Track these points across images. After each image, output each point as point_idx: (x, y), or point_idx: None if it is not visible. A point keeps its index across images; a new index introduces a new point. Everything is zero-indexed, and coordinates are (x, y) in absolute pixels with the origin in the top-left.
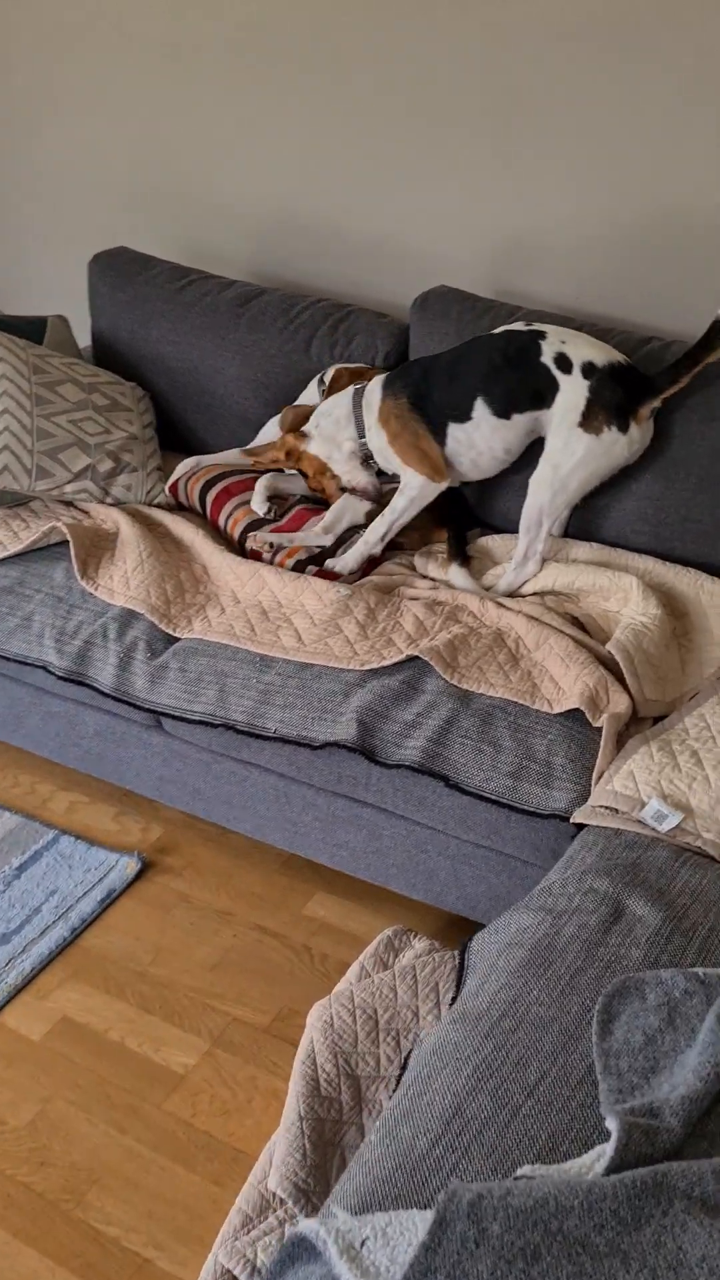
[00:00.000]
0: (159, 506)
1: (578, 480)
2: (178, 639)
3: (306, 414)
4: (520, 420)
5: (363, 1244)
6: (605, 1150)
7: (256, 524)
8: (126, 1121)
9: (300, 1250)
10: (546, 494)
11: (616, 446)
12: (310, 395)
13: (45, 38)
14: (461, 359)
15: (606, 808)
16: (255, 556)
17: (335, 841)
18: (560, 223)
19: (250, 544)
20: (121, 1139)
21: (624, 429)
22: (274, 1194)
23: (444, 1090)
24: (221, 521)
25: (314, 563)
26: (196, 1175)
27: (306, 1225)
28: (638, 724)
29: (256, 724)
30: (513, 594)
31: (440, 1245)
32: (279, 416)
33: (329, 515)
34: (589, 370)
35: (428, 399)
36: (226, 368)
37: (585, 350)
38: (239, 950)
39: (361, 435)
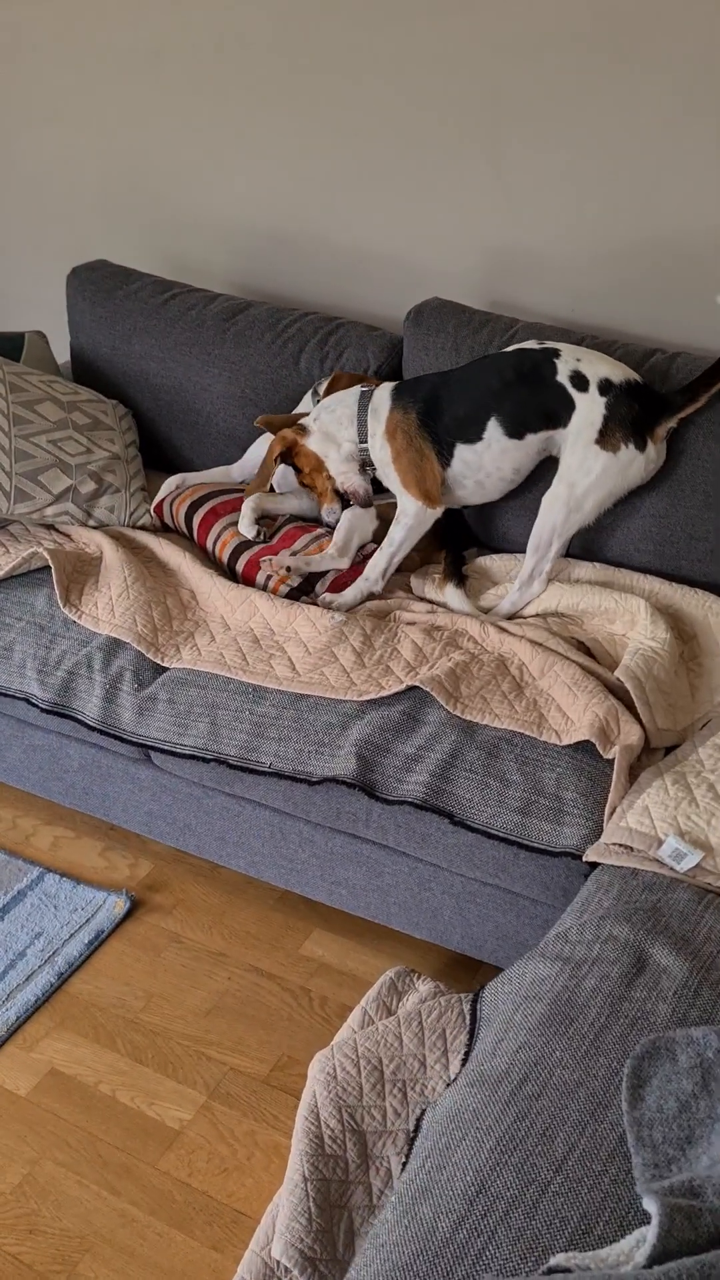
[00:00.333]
0: (144, 528)
1: (594, 500)
2: (166, 669)
3: (289, 420)
4: (533, 440)
5: None
6: (645, 1236)
7: (246, 545)
8: (120, 1183)
9: None
10: (560, 513)
11: (634, 465)
12: (305, 408)
13: (22, 47)
14: (472, 377)
15: (621, 845)
16: (249, 580)
17: (334, 879)
18: (555, 233)
19: (266, 570)
20: (115, 1202)
21: (641, 447)
22: (278, 1262)
23: (465, 1164)
24: (209, 544)
25: (305, 590)
26: (195, 1241)
27: None
28: (649, 755)
29: (250, 758)
30: (515, 615)
31: None
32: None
33: (339, 536)
34: (605, 388)
35: (437, 418)
36: (212, 384)
37: (601, 368)
38: (234, 994)
39: (363, 440)
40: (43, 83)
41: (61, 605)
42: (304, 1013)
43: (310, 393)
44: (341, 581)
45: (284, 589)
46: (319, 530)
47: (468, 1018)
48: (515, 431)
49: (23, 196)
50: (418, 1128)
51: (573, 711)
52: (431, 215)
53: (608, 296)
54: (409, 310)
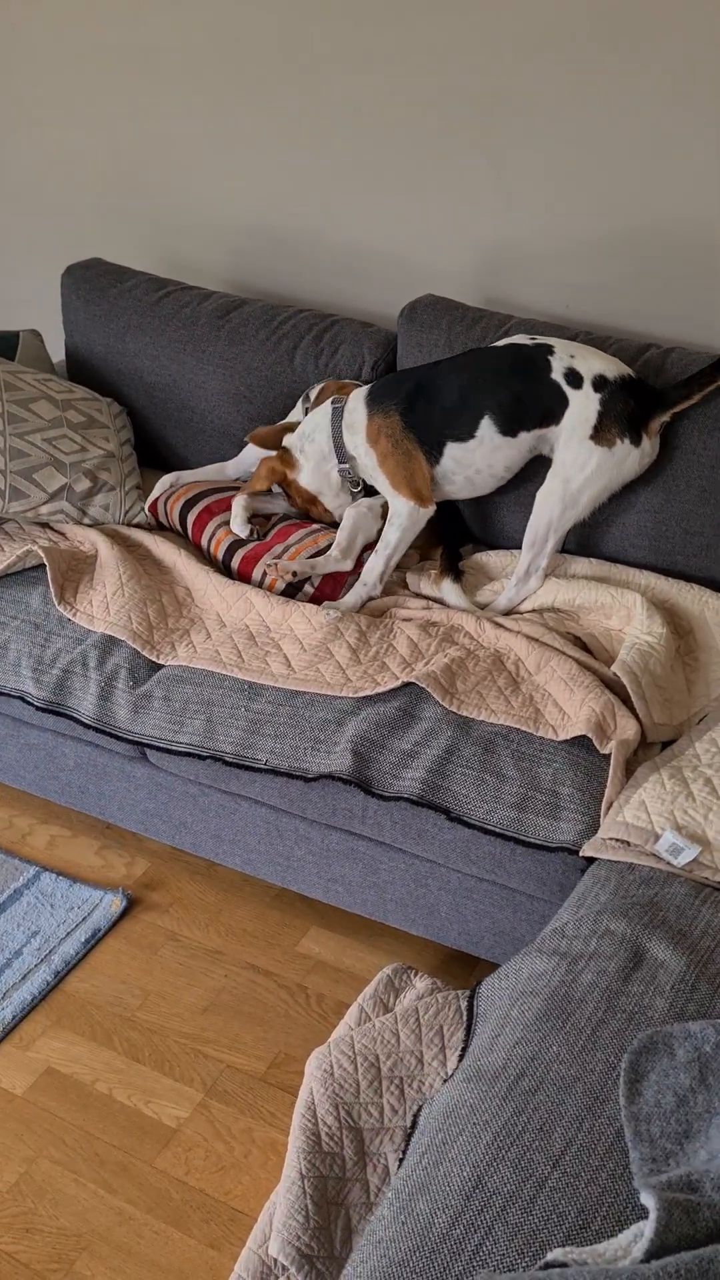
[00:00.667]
0: (139, 526)
1: (589, 495)
2: (161, 666)
3: (278, 433)
4: (526, 438)
5: None
6: (643, 1231)
7: (240, 543)
8: (116, 1181)
9: None
10: (556, 509)
11: (629, 459)
12: (296, 416)
13: (17, 45)
14: (464, 372)
15: (618, 840)
16: (245, 577)
17: (330, 876)
18: (550, 230)
19: (269, 572)
20: (112, 1200)
21: (636, 441)
22: (275, 1260)
23: (462, 1160)
24: (204, 542)
25: (298, 587)
26: (192, 1239)
27: None
28: (645, 749)
29: (246, 755)
30: (512, 611)
31: None
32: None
33: (342, 537)
34: (600, 384)
35: (424, 416)
36: (207, 381)
37: (595, 364)
38: (231, 992)
39: (343, 461)
40: (38, 81)
41: (56, 603)
42: (301, 1010)
43: (301, 399)
44: (337, 581)
45: (280, 585)
46: (314, 525)
47: (465, 1014)
48: (509, 429)
49: (17, 195)
50: (414, 1124)
51: (569, 707)
52: (426, 212)
53: (603, 292)
54: (403, 307)
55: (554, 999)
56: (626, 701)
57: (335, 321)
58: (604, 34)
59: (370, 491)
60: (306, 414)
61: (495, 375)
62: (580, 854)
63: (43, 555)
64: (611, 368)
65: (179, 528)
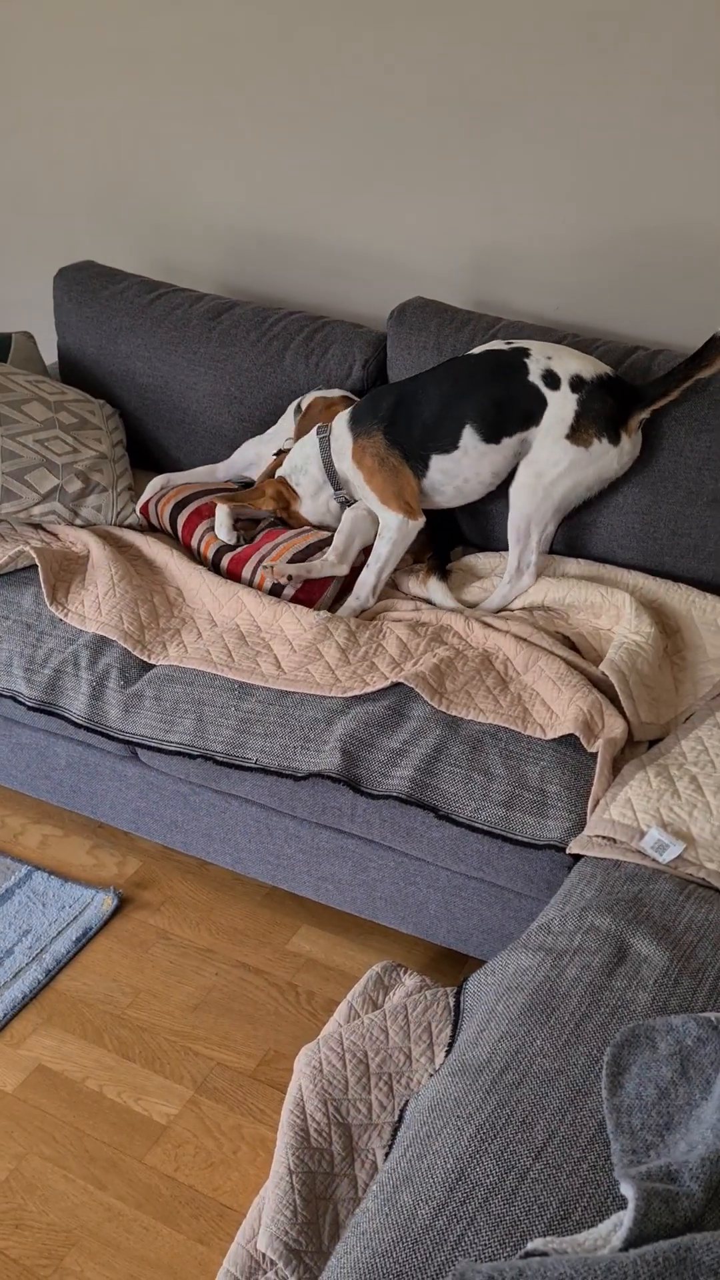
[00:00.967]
0: (130, 528)
1: (562, 489)
2: (152, 666)
3: (275, 468)
4: (509, 443)
5: None
6: (623, 1220)
7: (229, 547)
8: (106, 1177)
9: None
10: (530, 501)
11: (606, 458)
12: (286, 422)
13: (10, 48)
14: (441, 384)
15: (604, 838)
16: (234, 578)
17: (320, 874)
18: (539, 232)
19: (267, 575)
20: (101, 1196)
21: (615, 440)
22: (264, 1254)
23: (445, 1152)
24: (194, 544)
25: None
26: (181, 1234)
27: None
28: (632, 748)
29: (236, 754)
30: (504, 608)
31: None
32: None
33: (339, 541)
34: (577, 384)
35: (405, 431)
36: (199, 383)
37: (572, 364)
38: (221, 990)
39: (338, 488)
40: (31, 83)
41: (48, 604)
42: (291, 1008)
43: (292, 407)
44: (323, 583)
45: (269, 583)
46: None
47: (453, 1011)
48: (492, 436)
49: (10, 197)
50: (401, 1119)
51: (557, 706)
52: (416, 215)
53: (591, 295)
54: (392, 310)
55: (539, 993)
56: (614, 700)
57: (326, 323)
58: (592, 39)
59: None
60: (297, 423)
61: (473, 383)
62: (567, 851)
63: (35, 556)
64: (589, 367)
65: (169, 529)
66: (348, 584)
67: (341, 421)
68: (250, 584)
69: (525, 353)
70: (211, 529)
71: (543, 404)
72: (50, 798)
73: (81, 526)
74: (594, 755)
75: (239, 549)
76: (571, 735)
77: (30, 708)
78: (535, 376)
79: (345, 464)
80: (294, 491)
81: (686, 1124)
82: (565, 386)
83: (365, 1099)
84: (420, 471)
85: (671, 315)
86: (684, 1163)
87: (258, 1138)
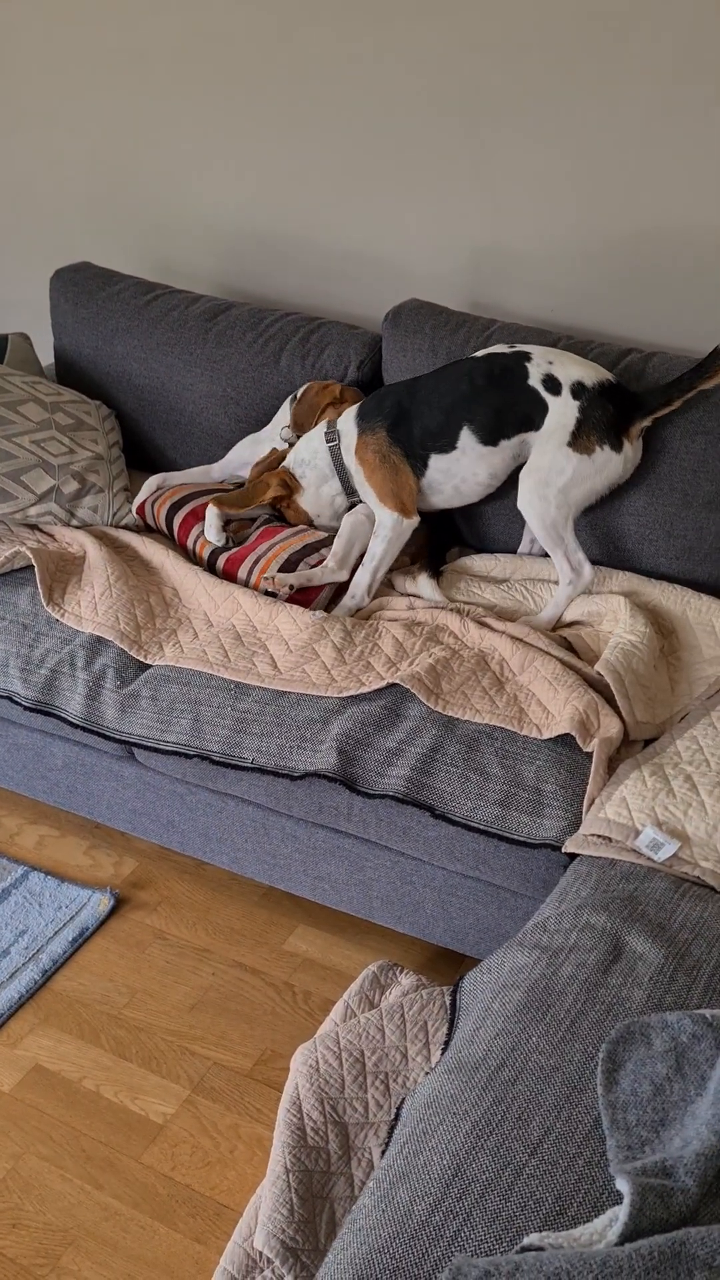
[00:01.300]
0: (126, 528)
1: (574, 496)
2: (149, 666)
3: (275, 462)
4: (508, 445)
5: None
6: (618, 1215)
7: (225, 546)
8: (103, 1177)
9: None
10: (546, 509)
11: (610, 465)
12: (281, 417)
13: (6, 48)
14: (442, 385)
15: (599, 836)
16: (230, 578)
17: (317, 874)
18: (535, 234)
19: (266, 586)
20: (98, 1195)
21: (617, 448)
22: (260, 1253)
23: (442, 1149)
24: (190, 544)
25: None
26: (178, 1233)
27: None
28: (628, 747)
29: (233, 754)
30: (571, 601)
31: None
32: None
33: (339, 547)
34: (578, 390)
35: (406, 430)
36: (195, 384)
37: (573, 370)
38: (218, 990)
39: (344, 479)
40: (27, 84)
41: (45, 604)
42: (287, 1007)
43: (288, 400)
44: (316, 588)
45: (264, 584)
46: (298, 525)
47: (449, 1010)
48: (489, 439)
49: (6, 198)
50: (397, 1117)
51: (553, 705)
52: (412, 217)
53: (586, 297)
54: (387, 312)
55: (534, 991)
56: (610, 700)
57: (321, 324)
58: (590, 40)
59: None
60: (292, 410)
61: (473, 386)
62: (563, 850)
63: (31, 556)
64: (590, 374)
65: (166, 530)
66: (343, 584)
67: (349, 417)
68: (246, 584)
69: (526, 356)
70: None
71: (543, 409)
72: (46, 798)
73: (78, 527)
74: (589, 755)
75: (235, 549)
76: (567, 735)
77: (26, 708)
78: (535, 380)
79: (350, 457)
80: (297, 482)
81: (681, 1120)
82: (566, 392)
83: (362, 1098)
84: (419, 470)
85: (667, 318)
86: (679, 1158)
87: (254, 1137)
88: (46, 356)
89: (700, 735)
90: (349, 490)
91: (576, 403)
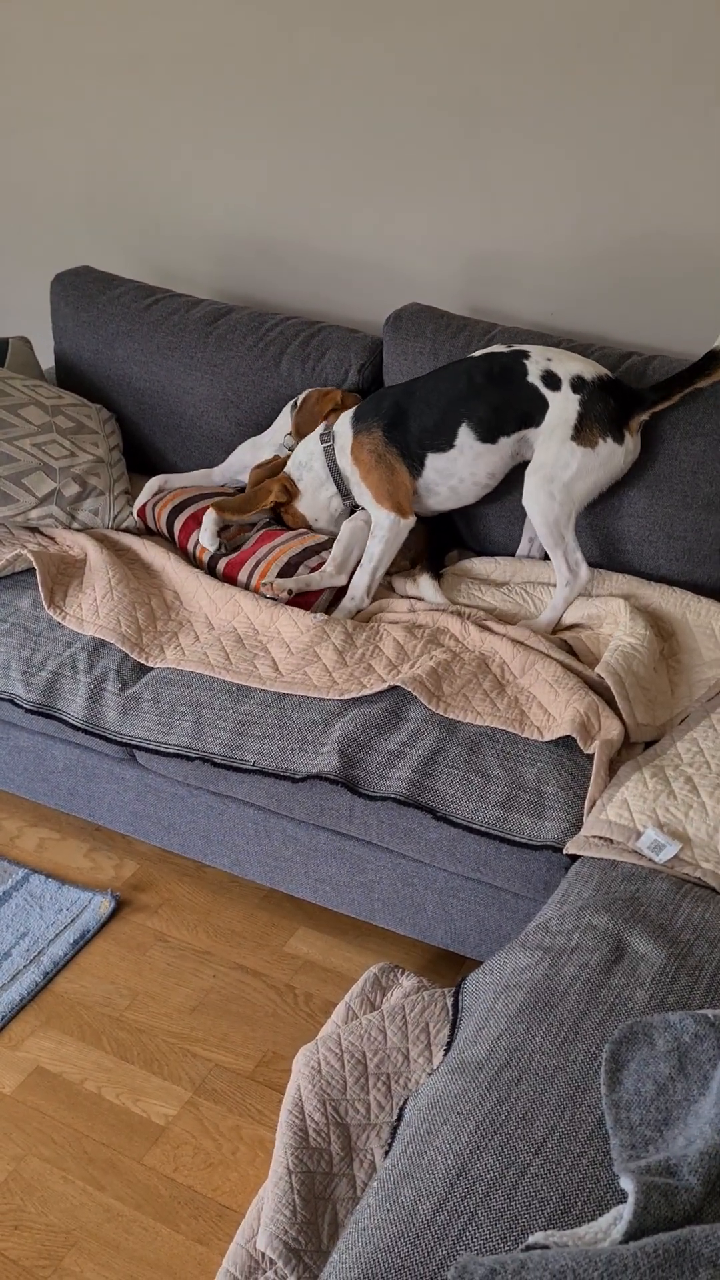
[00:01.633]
0: (127, 531)
1: (578, 491)
2: (150, 668)
3: (277, 468)
4: (506, 443)
5: None
6: (622, 1214)
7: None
8: (105, 1178)
9: None
10: (550, 506)
11: (614, 458)
12: (282, 422)
13: (6, 52)
14: (439, 385)
15: (601, 838)
16: (230, 581)
17: (318, 876)
18: (534, 239)
19: (265, 592)
20: (100, 1197)
21: (619, 440)
22: (263, 1254)
23: (446, 1149)
24: (190, 548)
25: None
26: (180, 1235)
27: None
28: (629, 749)
29: (234, 756)
30: (568, 603)
31: None
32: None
33: (338, 552)
34: (578, 384)
35: (404, 430)
36: (195, 387)
37: (572, 366)
38: (219, 992)
39: (340, 483)
40: (27, 89)
41: (46, 607)
42: (289, 1009)
43: (289, 406)
44: (317, 590)
45: (263, 590)
46: (298, 529)
47: (450, 1011)
48: (488, 436)
49: (7, 202)
50: (400, 1118)
51: (554, 708)
52: (412, 221)
53: (586, 301)
54: (388, 315)
55: (537, 992)
56: (611, 703)
57: (322, 328)
58: (589, 45)
59: None
60: (293, 418)
61: (472, 383)
62: (564, 852)
63: (32, 559)
64: (589, 369)
65: (166, 533)
66: (343, 587)
67: (345, 420)
68: (247, 587)
69: (524, 354)
70: None
71: (543, 405)
72: (48, 801)
73: (79, 530)
74: (591, 757)
75: (233, 554)
76: (568, 737)
77: (28, 710)
78: (534, 377)
79: (346, 459)
80: (296, 487)
81: (684, 1119)
82: (567, 387)
83: (364, 1099)
84: (416, 471)
85: (667, 321)
86: (682, 1157)
87: (256, 1138)
88: (47, 360)
89: (701, 737)
90: (345, 493)
91: (577, 396)
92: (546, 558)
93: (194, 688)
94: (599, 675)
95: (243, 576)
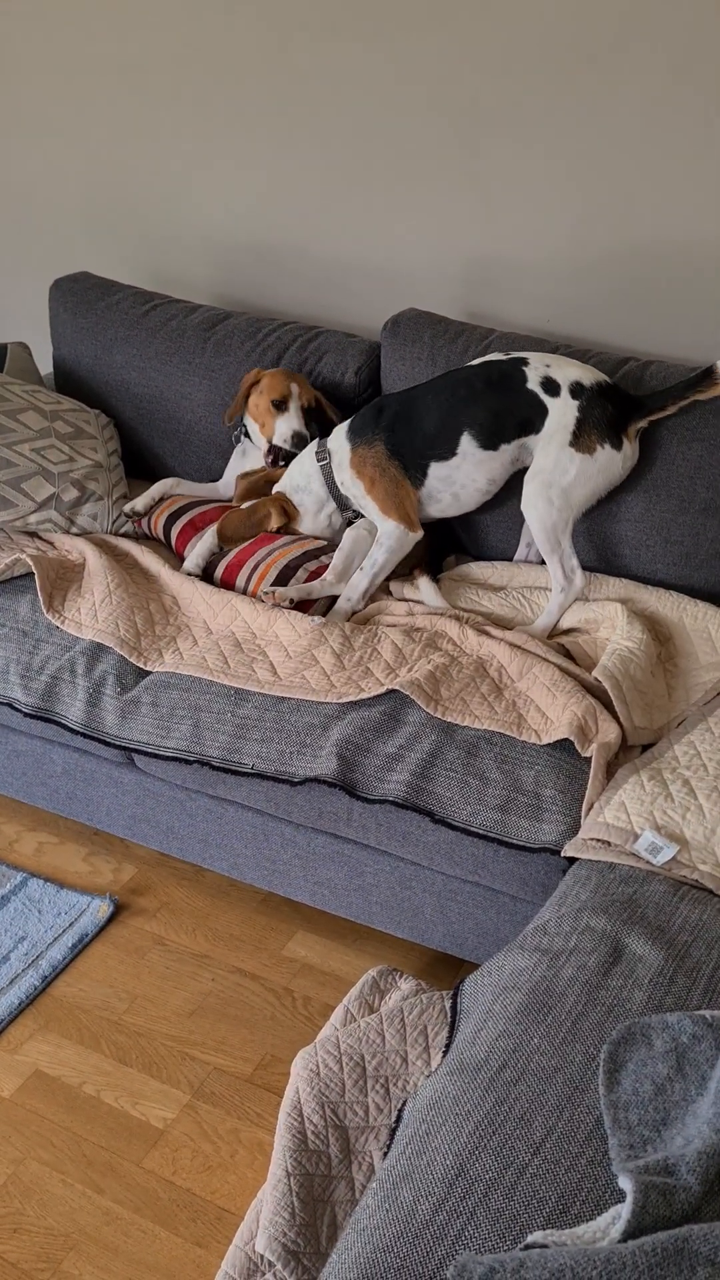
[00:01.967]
0: (125, 536)
1: (576, 498)
2: (149, 672)
3: (269, 480)
4: (507, 450)
5: None
6: (621, 1213)
7: (221, 552)
8: (104, 1181)
9: None
10: (549, 512)
11: (613, 463)
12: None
13: (6, 60)
14: (439, 394)
15: (598, 840)
16: (228, 585)
17: (316, 879)
18: (532, 245)
19: (267, 600)
20: (99, 1200)
21: (617, 446)
22: (262, 1256)
23: (445, 1149)
24: (186, 555)
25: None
26: (179, 1237)
27: None
28: (626, 753)
29: (233, 759)
30: (564, 610)
31: None
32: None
33: (339, 560)
34: (577, 390)
35: (404, 440)
36: (193, 392)
37: (571, 371)
38: (217, 995)
39: (340, 500)
40: (26, 96)
41: (45, 611)
42: (287, 1013)
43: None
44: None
45: (263, 599)
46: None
47: (449, 1013)
48: (489, 443)
49: (6, 208)
50: (399, 1120)
51: (551, 711)
52: (410, 227)
53: (583, 307)
54: (386, 321)
55: (535, 993)
56: (608, 706)
57: (319, 333)
58: (586, 52)
59: None
60: (234, 400)
61: (472, 392)
62: (562, 854)
63: (31, 564)
64: (587, 375)
65: (163, 539)
66: None
67: (339, 434)
68: (244, 591)
69: (523, 361)
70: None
71: (542, 411)
72: (46, 805)
73: (77, 535)
74: (588, 760)
75: (233, 554)
76: (566, 740)
77: (27, 714)
78: (534, 384)
79: (345, 474)
80: (295, 509)
81: (682, 1119)
82: (565, 393)
83: (362, 1102)
84: (418, 481)
85: (664, 328)
86: (681, 1157)
87: (255, 1141)
88: (45, 365)
89: (698, 740)
90: (343, 506)
91: (576, 402)
92: (544, 562)
93: (193, 691)
94: (596, 679)
95: (240, 581)
